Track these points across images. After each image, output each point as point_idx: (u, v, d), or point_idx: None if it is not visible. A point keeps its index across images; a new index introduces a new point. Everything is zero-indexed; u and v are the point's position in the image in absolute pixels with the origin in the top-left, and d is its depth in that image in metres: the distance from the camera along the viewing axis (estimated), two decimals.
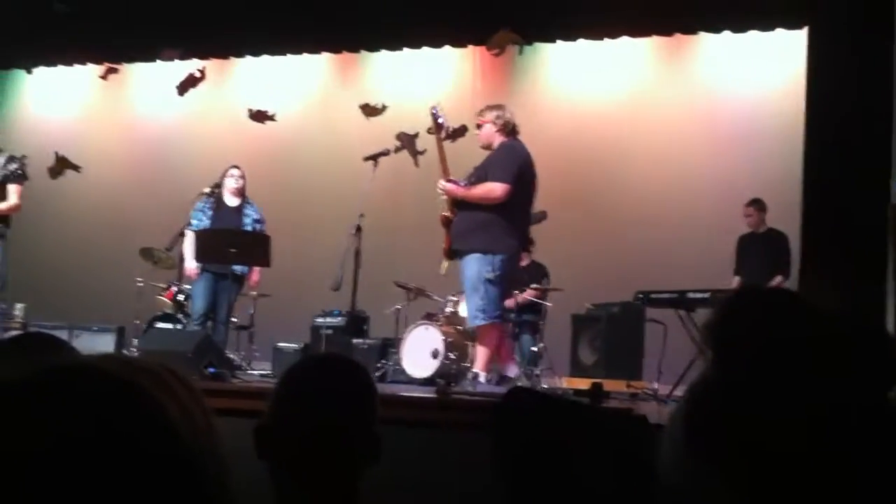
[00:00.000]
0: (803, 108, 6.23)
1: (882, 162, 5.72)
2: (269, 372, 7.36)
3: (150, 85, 10.63)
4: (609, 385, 5.68)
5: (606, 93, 9.61)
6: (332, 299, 7.10)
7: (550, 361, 7.80)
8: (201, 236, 7.13)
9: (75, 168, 7.68)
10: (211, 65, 8.54)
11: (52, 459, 0.64)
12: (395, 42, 9.00)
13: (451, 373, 6.79)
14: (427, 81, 9.74)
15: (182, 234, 7.62)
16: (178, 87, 7.77)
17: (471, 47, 9.01)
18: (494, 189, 5.69)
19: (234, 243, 6.85)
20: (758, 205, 7.86)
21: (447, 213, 5.96)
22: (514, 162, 5.77)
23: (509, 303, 7.94)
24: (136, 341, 7.88)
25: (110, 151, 10.84)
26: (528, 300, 7.90)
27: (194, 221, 7.41)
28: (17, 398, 0.67)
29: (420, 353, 7.20)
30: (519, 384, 6.49)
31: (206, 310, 7.35)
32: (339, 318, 7.98)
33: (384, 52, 9.59)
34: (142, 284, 8.50)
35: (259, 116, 7.78)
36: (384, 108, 7.36)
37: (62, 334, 7.21)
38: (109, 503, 0.65)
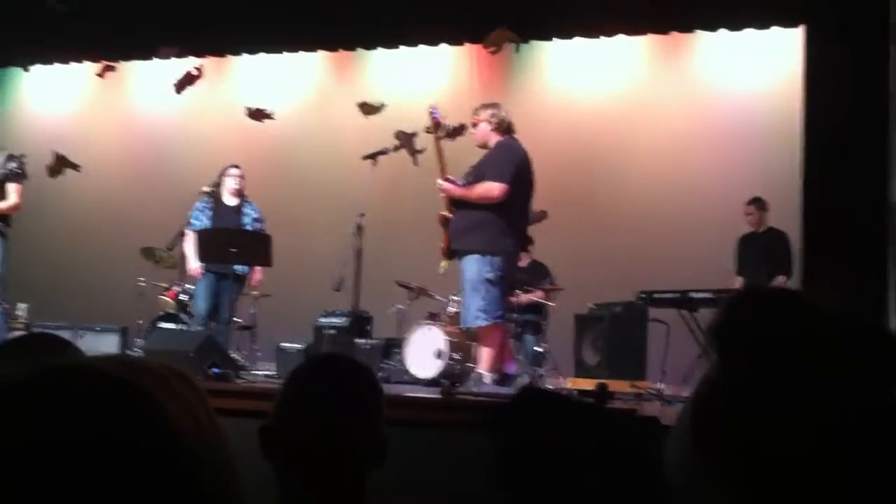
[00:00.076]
0: (801, 105, 6.23)
1: (880, 159, 5.72)
2: (273, 372, 7.36)
3: (147, 83, 10.61)
4: (613, 385, 5.68)
5: (603, 91, 9.61)
6: (334, 299, 7.10)
7: (554, 362, 7.80)
8: (202, 236, 7.13)
9: (74, 167, 7.69)
10: (208, 63, 8.55)
11: (51, 459, 0.64)
12: (392, 40, 9.00)
13: (455, 373, 6.78)
14: (424, 80, 9.73)
15: (182, 234, 7.62)
16: (175, 86, 7.78)
17: (468, 45, 9.01)
18: (492, 189, 5.69)
19: (234, 243, 6.85)
20: (758, 204, 7.85)
21: (445, 213, 5.96)
22: (511, 161, 5.77)
23: (523, 298, 7.95)
24: (139, 341, 7.88)
25: (108, 150, 10.83)
26: (532, 300, 7.90)
27: (194, 221, 7.41)
28: (16, 398, 0.66)
29: (423, 353, 7.19)
30: (519, 381, 6.50)
31: (209, 311, 7.35)
32: (342, 319, 7.97)
33: (381, 50, 9.59)
34: (144, 284, 8.50)
35: (257, 115, 7.80)
36: (382, 106, 7.37)
37: (66, 334, 7.16)
38: None
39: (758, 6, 7.40)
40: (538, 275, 8.11)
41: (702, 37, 8.78)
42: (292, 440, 1.77)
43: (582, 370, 7.34)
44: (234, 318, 7.62)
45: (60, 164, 7.66)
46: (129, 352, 7.79)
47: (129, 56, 9.40)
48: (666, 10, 7.56)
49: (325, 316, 8.11)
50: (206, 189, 7.41)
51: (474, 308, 5.73)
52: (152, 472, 0.67)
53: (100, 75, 8.42)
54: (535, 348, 7.89)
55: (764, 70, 8.95)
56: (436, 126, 6.06)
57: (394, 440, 1.84)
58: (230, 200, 7.49)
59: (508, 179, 5.69)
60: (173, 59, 8.67)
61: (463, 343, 7.03)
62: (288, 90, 10.30)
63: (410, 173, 6.68)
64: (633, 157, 9.35)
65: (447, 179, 5.90)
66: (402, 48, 9.28)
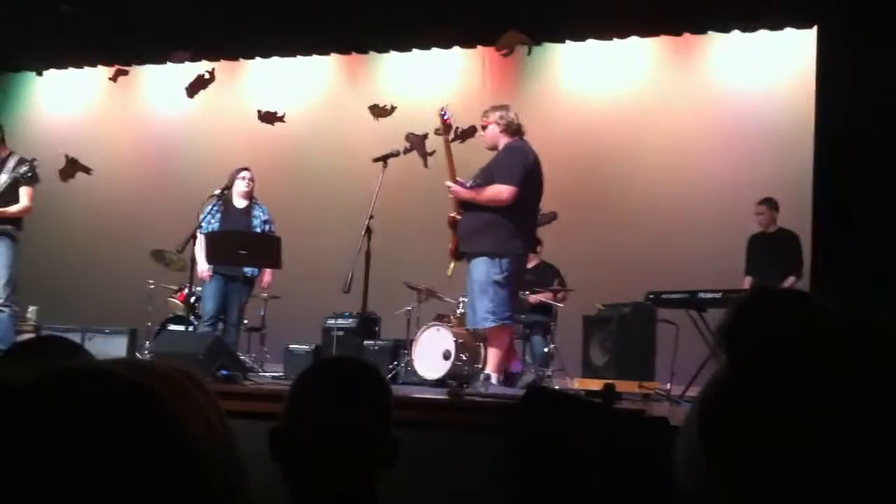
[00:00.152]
0: (813, 106, 6.21)
1: (892, 161, 5.69)
2: (281, 374, 7.37)
3: (159, 87, 10.66)
4: (621, 386, 5.66)
5: (615, 93, 9.60)
6: (342, 301, 7.11)
7: (562, 362, 7.79)
8: (211, 238, 7.15)
9: (86, 170, 7.70)
10: (220, 66, 8.57)
11: (61, 462, 0.64)
12: (403, 43, 9.02)
13: (462, 374, 6.79)
14: (436, 82, 9.74)
15: (193, 237, 7.64)
16: (187, 89, 7.78)
17: (479, 48, 9.02)
18: (502, 192, 5.69)
19: (244, 245, 6.87)
20: (770, 203, 7.83)
21: (454, 214, 5.96)
22: (520, 163, 5.77)
23: (533, 298, 7.94)
24: (148, 344, 7.91)
25: (120, 153, 10.87)
26: (541, 301, 7.89)
27: (203, 224, 7.43)
28: (27, 400, 0.67)
29: (432, 354, 7.20)
30: (524, 379, 6.50)
31: (217, 312, 7.37)
32: (351, 320, 7.99)
33: (393, 53, 9.61)
34: (153, 287, 8.53)
35: (268, 118, 7.79)
36: (393, 108, 7.37)
37: (75, 337, 7.25)
38: None
39: (771, 7, 7.39)
40: (547, 276, 8.10)
41: (714, 38, 8.77)
42: (301, 442, 1.77)
43: (590, 371, 7.32)
44: (244, 320, 7.64)
45: (72, 167, 7.67)
46: (137, 354, 7.81)
47: (141, 60, 9.45)
48: (678, 12, 7.55)
49: (334, 317, 8.12)
50: (217, 192, 7.44)
51: (482, 310, 5.73)
52: (163, 474, 0.67)
53: (112, 79, 8.44)
54: (543, 349, 7.89)
55: (776, 71, 8.93)
56: (446, 128, 6.06)
57: (401, 441, 1.84)
58: (240, 202, 7.51)
59: (518, 182, 5.69)
60: (186, 63, 8.69)
61: (471, 344, 7.03)
62: (299, 93, 10.33)
63: (420, 175, 6.68)
64: (644, 158, 9.34)
65: (456, 181, 5.90)
66: (415, 51, 9.29)
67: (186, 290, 8.12)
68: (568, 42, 8.89)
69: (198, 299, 7.84)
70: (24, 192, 6.78)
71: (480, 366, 6.43)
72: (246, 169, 7.60)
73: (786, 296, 0.85)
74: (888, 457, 0.72)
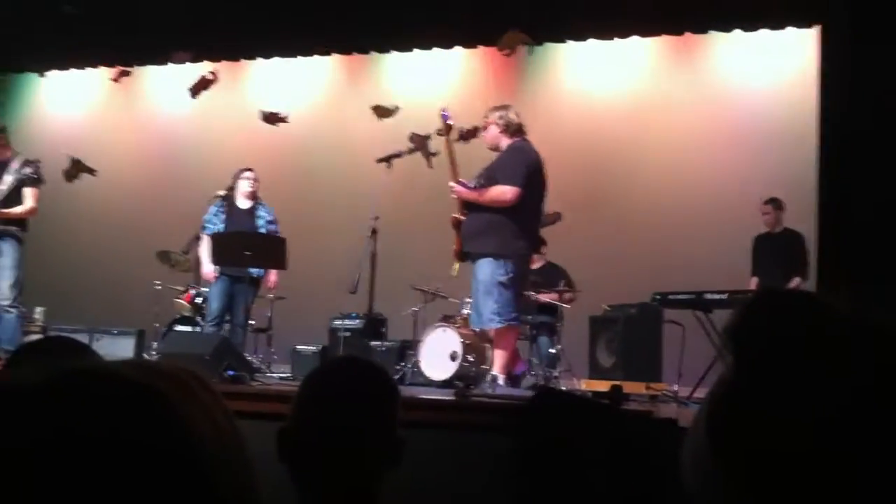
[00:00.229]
0: (816, 106, 6.20)
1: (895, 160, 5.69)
2: (288, 375, 7.38)
3: (162, 88, 10.67)
4: (628, 387, 5.66)
5: (617, 93, 9.59)
6: (349, 302, 7.11)
7: (568, 363, 7.79)
8: (217, 239, 7.15)
9: (90, 171, 7.72)
10: (223, 67, 8.59)
11: (68, 463, 0.64)
12: (405, 43, 9.02)
13: (469, 375, 6.78)
14: (438, 82, 9.74)
15: (198, 238, 7.66)
16: (190, 90, 7.81)
17: (481, 48, 9.01)
18: (505, 192, 5.69)
19: (249, 246, 6.88)
20: (775, 203, 7.81)
21: (457, 215, 5.96)
22: (523, 164, 5.77)
23: (542, 298, 7.94)
24: (155, 344, 7.92)
25: (124, 154, 10.89)
26: (548, 302, 7.89)
27: (208, 225, 7.44)
28: (34, 401, 0.67)
29: (438, 355, 7.19)
30: (527, 381, 6.50)
31: (221, 312, 7.38)
32: (357, 321, 7.99)
33: (394, 54, 9.61)
34: (160, 287, 8.54)
35: (271, 118, 7.82)
36: (396, 109, 7.38)
37: (82, 338, 7.26)
38: None
39: (772, 6, 7.37)
40: (553, 277, 8.10)
41: (716, 37, 8.76)
42: (309, 442, 1.77)
43: (596, 372, 7.32)
44: (250, 321, 7.65)
45: (76, 168, 7.69)
46: (145, 355, 7.83)
47: (144, 61, 9.46)
48: (680, 11, 7.55)
49: (340, 318, 8.13)
50: (221, 192, 7.45)
51: (487, 311, 5.73)
52: (171, 475, 0.67)
53: (115, 80, 8.47)
54: (550, 350, 7.88)
55: (778, 71, 8.91)
56: (447, 129, 6.06)
57: (408, 441, 1.85)
58: (244, 203, 7.52)
59: (521, 182, 5.68)
60: (188, 64, 8.71)
61: (477, 345, 7.03)
62: (302, 94, 10.33)
63: (424, 176, 6.68)
64: (647, 158, 9.33)
65: (459, 182, 5.90)
66: (416, 51, 9.29)
67: (193, 291, 8.14)
68: (569, 42, 8.89)
69: (204, 300, 7.85)
70: (29, 194, 6.79)
71: (487, 367, 6.43)
72: (249, 169, 7.61)
73: (792, 297, 0.85)
74: (893, 457, 0.72)
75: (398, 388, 1.94)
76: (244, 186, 7.50)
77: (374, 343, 7.83)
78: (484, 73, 9.75)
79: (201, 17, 8.23)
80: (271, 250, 7.04)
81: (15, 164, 6.80)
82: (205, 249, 7.40)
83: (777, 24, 7.86)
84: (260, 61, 9.95)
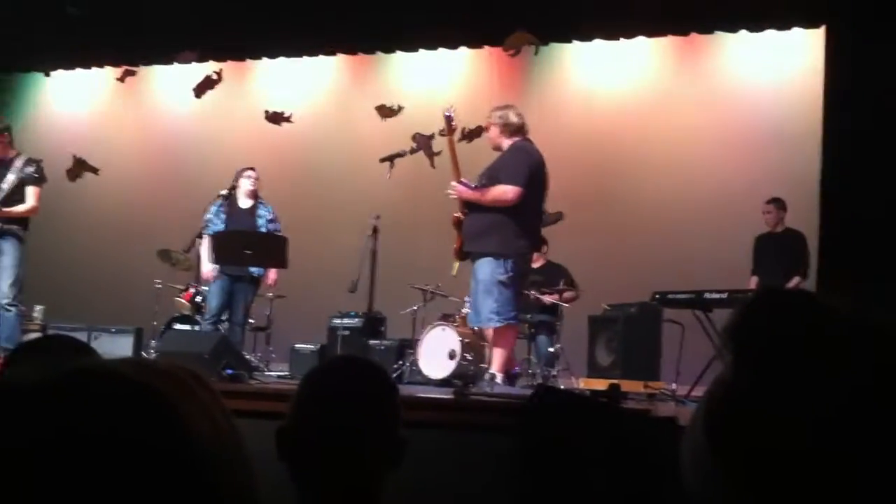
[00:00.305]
0: (821, 106, 6.20)
1: None
2: (286, 373, 7.38)
3: (167, 87, 10.68)
4: (627, 386, 5.66)
5: (622, 93, 9.59)
6: (348, 300, 7.12)
7: (567, 362, 7.79)
8: (217, 238, 7.16)
9: (93, 170, 7.72)
10: (227, 67, 8.58)
11: (68, 461, 0.64)
12: (410, 43, 9.01)
13: (468, 374, 6.78)
14: (443, 83, 9.74)
15: (199, 237, 7.67)
16: (194, 90, 7.80)
17: (486, 48, 9.01)
18: (507, 192, 5.69)
19: (250, 245, 6.88)
20: (778, 203, 7.81)
21: (458, 215, 5.97)
22: (524, 164, 5.77)
23: (546, 299, 7.94)
24: (154, 343, 7.92)
25: (128, 153, 10.90)
26: (552, 303, 7.89)
27: (209, 225, 7.45)
28: (36, 400, 0.67)
29: (437, 354, 7.19)
30: (522, 381, 6.48)
31: (220, 310, 7.39)
32: (356, 320, 7.99)
33: (399, 54, 9.61)
34: (160, 286, 8.54)
35: (275, 118, 7.81)
36: (400, 109, 7.37)
37: (81, 336, 7.26)
38: None
39: (778, 7, 7.37)
40: (554, 276, 8.10)
41: (722, 38, 8.75)
42: (308, 441, 1.77)
43: (595, 371, 7.32)
44: (250, 320, 7.65)
45: (80, 167, 7.69)
46: (143, 353, 7.83)
47: (149, 60, 9.47)
48: (686, 12, 7.54)
49: (340, 317, 8.13)
50: (224, 192, 7.45)
51: (486, 310, 5.74)
52: (171, 474, 0.67)
53: (120, 80, 8.46)
54: (549, 349, 7.88)
55: (784, 71, 8.91)
56: (450, 129, 6.06)
57: (407, 441, 1.85)
58: (245, 202, 7.52)
59: (522, 182, 5.68)
60: (193, 64, 8.71)
61: (476, 344, 7.03)
62: (306, 94, 10.33)
63: (427, 176, 6.68)
64: (651, 158, 9.33)
65: (461, 182, 5.90)
66: (421, 51, 9.29)
67: (193, 290, 8.14)
68: (575, 42, 8.88)
69: (204, 299, 7.86)
70: (31, 192, 6.80)
71: (486, 365, 6.43)
72: (251, 169, 7.61)
73: (792, 296, 0.85)
74: (892, 456, 0.72)
75: (397, 388, 1.94)
76: (246, 185, 7.51)
77: (372, 342, 7.83)
78: (489, 73, 9.75)
79: (207, 17, 8.23)
80: (272, 249, 7.04)
81: (18, 164, 6.81)
82: (204, 249, 7.41)
83: (783, 25, 7.85)
84: (265, 61, 9.95)
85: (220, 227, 7.36)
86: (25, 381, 0.69)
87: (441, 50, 9.24)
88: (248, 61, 9.93)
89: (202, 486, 0.69)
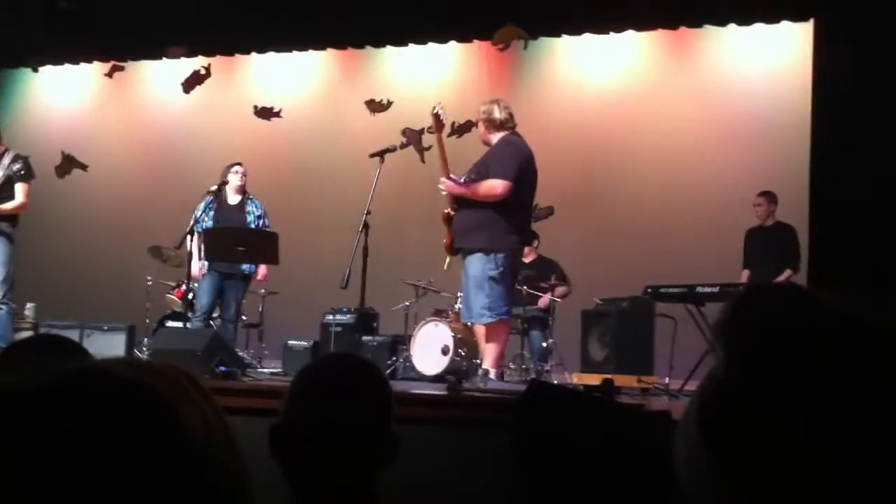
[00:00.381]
0: (810, 99, 6.21)
1: (889, 154, 5.69)
2: (279, 370, 7.37)
3: (155, 83, 10.65)
4: (620, 380, 5.67)
5: (612, 87, 9.60)
6: (340, 297, 7.11)
7: (560, 357, 7.81)
8: (209, 235, 7.14)
9: (82, 167, 7.70)
10: (216, 62, 8.55)
11: (64, 462, 0.64)
12: (400, 38, 9.00)
13: (461, 369, 6.79)
14: (432, 77, 9.74)
15: (191, 233, 7.64)
16: (183, 85, 7.77)
17: (476, 42, 9.01)
18: (495, 187, 5.69)
19: (242, 241, 6.87)
20: (769, 196, 7.83)
21: (448, 210, 5.97)
22: (513, 158, 5.77)
23: (542, 303, 7.96)
24: (146, 340, 7.91)
25: (117, 149, 10.87)
26: (551, 300, 7.90)
27: (200, 222, 7.42)
28: (32, 401, 0.67)
29: (430, 349, 7.20)
30: (511, 374, 6.49)
31: (211, 307, 7.38)
32: (349, 316, 7.99)
33: (389, 48, 9.60)
34: (151, 283, 8.52)
35: (265, 113, 7.79)
36: (389, 103, 7.37)
37: (73, 333, 7.25)
38: None
39: (766, 0, 7.38)
40: (545, 270, 8.11)
41: (710, 31, 8.77)
42: (301, 438, 1.77)
43: (588, 365, 7.34)
44: (242, 317, 7.64)
45: (68, 164, 7.66)
46: (136, 350, 7.82)
47: (137, 56, 9.43)
48: (675, 6, 7.55)
49: (332, 313, 8.13)
50: (214, 188, 7.44)
51: (478, 306, 5.74)
52: (166, 473, 0.67)
53: (108, 75, 8.43)
54: (542, 344, 7.89)
55: (773, 64, 8.93)
56: (438, 126, 6.05)
57: (401, 437, 1.85)
58: (233, 198, 7.51)
59: (512, 177, 5.68)
60: (182, 59, 8.68)
61: (469, 339, 7.04)
62: (296, 89, 10.32)
63: (417, 171, 6.68)
64: (641, 152, 9.34)
65: (449, 178, 5.90)
66: (411, 46, 9.28)
67: (184, 287, 8.13)
68: (564, 36, 8.88)
69: (195, 295, 7.85)
70: (20, 189, 6.77)
71: (478, 361, 6.44)
72: (238, 164, 7.60)
73: (782, 290, 0.85)
74: (885, 451, 0.72)
75: (390, 385, 1.94)
76: (234, 181, 7.49)
77: (365, 338, 7.83)
78: (479, 67, 9.74)
79: (195, 11, 8.21)
80: (264, 245, 7.03)
81: (5, 160, 6.78)
82: (194, 246, 7.39)
83: (771, 18, 7.87)
84: (254, 56, 9.93)
85: (209, 224, 7.35)
86: (23, 383, 0.68)
87: (430, 44, 9.23)
88: (237, 56, 9.90)
89: (197, 485, 0.69)
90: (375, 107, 7.42)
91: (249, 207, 7.49)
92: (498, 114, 5.90)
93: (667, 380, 6.19)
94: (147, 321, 8.32)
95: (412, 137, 6.39)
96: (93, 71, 10.32)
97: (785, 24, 7.96)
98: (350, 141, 9.14)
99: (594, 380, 5.96)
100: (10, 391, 0.68)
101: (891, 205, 5.59)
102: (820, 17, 6.32)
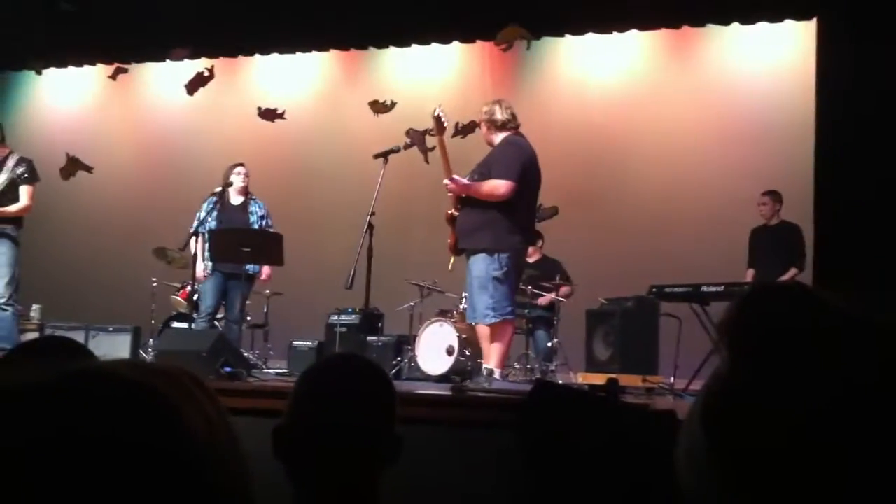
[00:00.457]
0: (814, 98, 6.20)
1: (894, 153, 5.68)
2: (284, 370, 7.38)
3: (159, 85, 10.67)
4: (624, 380, 5.67)
5: (615, 86, 9.59)
6: (345, 297, 7.11)
7: (565, 357, 7.80)
8: (214, 236, 7.15)
9: (87, 169, 7.71)
10: (220, 63, 8.56)
11: (67, 463, 0.64)
12: (403, 39, 8.99)
13: (465, 369, 6.79)
14: (435, 77, 9.74)
15: (195, 235, 7.65)
16: (187, 87, 7.78)
17: (479, 43, 9.00)
18: (498, 186, 5.69)
19: (247, 242, 6.87)
20: (773, 195, 7.82)
21: (452, 211, 5.97)
22: (516, 158, 5.76)
23: (543, 301, 7.96)
24: (151, 341, 7.92)
25: (121, 151, 10.89)
26: (554, 299, 7.90)
27: (204, 223, 7.43)
28: (35, 401, 0.67)
29: (435, 349, 7.21)
30: (514, 374, 6.47)
31: (215, 308, 7.38)
32: (354, 316, 7.99)
33: (392, 49, 9.60)
34: (156, 284, 8.53)
35: (268, 115, 7.80)
36: (393, 104, 7.37)
37: (79, 335, 7.27)
38: None
39: None
40: (549, 270, 8.11)
41: (714, 31, 8.76)
42: (305, 440, 1.77)
43: (593, 365, 7.33)
44: (247, 317, 7.64)
45: (73, 166, 7.68)
46: (141, 352, 7.83)
47: (141, 58, 9.44)
48: (678, 5, 7.54)
49: (337, 314, 8.13)
50: (218, 189, 7.44)
51: (482, 306, 5.73)
52: (169, 474, 0.67)
53: (112, 77, 8.44)
54: (547, 343, 7.89)
55: (776, 63, 8.92)
56: (440, 128, 6.04)
57: (404, 437, 1.85)
58: (236, 199, 7.52)
59: (515, 177, 5.68)
60: (185, 61, 8.69)
61: (473, 339, 7.03)
62: (299, 90, 10.33)
63: (421, 171, 6.68)
64: (645, 151, 9.34)
65: (452, 179, 5.90)
66: (414, 46, 9.28)
67: (189, 288, 8.14)
68: (567, 36, 8.87)
69: (200, 297, 7.86)
70: (24, 191, 6.79)
71: (483, 361, 6.43)
72: (241, 164, 7.60)
73: (787, 289, 0.85)
74: (889, 450, 0.72)
75: (394, 386, 1.94)
76: (237, 181, 7.50)
77: (370, 338, 7.84)
78: (482, 67, 9.74)
79: (198, 13, 8.21)
80: (269, 246, 7.03)
81: (10, 163, 6.80)
82: (198, 248, 7.40)
83: (775, 17, 7.85)
84: (257, 58, 9.94)
85: (213, 225, 7.35)
86: (27, 383, 0.69)
87: (433, 45, 9.23)
88: (240, 58, 9.91)
89: (198, 485, 0.69)
90: (379, 108, 7.42)
91: (252, 208, 7.50)
92: (500, 114, 5.89)
93: (671, 379, 6.19)
94: (152, 322, 8.33)
95: (416, 138, 6.38)
96: (96, 73, 10.33)
97: (789, 23, 7.95)
98: (353, 141, 9.14)
99: (599, 379, 5.95)
100: (13, 390, 0.68)
101: (894, 203, 5.57)
102: (823, 15, 6.31)
